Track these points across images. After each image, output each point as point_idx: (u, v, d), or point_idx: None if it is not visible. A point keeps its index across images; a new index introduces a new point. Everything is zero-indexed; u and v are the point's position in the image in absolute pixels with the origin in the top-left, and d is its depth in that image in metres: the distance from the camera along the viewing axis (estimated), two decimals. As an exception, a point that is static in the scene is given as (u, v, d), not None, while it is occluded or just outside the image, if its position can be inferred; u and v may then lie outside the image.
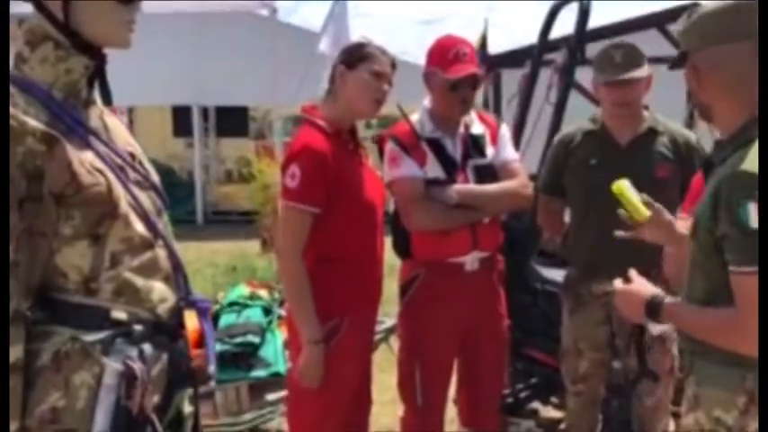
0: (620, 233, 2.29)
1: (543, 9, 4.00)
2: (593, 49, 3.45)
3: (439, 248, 2.94)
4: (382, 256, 2.82)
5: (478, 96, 3.21)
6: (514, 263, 3.42)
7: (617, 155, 3.02)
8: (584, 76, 3.58)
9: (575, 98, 3.76)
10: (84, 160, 1.63)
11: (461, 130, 2.99)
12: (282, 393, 3.60)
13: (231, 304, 4.39)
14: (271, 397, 3.83)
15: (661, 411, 3.10)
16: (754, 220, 1.64)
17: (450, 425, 3.30)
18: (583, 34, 3.68)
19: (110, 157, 1.70)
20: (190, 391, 1.85)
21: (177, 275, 1.80)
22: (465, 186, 2.92)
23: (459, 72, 2.87)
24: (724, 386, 1.79)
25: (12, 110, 1.55)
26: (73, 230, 1.63)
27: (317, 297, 2.61)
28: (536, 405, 4.03)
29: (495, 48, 5.36)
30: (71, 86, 1.68)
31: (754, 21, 1.73)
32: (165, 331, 1.75)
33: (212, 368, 1.97)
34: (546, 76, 3.98)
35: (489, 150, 3.02)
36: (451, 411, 3.30)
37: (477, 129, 3.02)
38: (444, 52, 2.91)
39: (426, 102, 3.03)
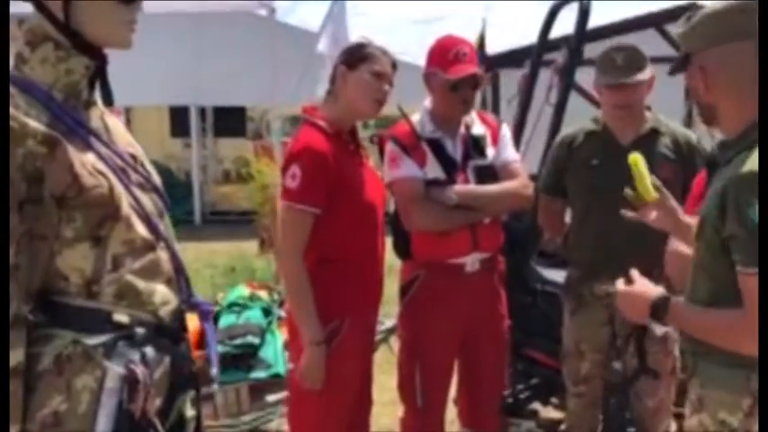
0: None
1: (541, 9, 4.00)
2: (593, 50, 3.45)
3: (439, 249, 2.93)
4: (383, 257, 2.82)
5: (477, 97, 3.20)
6: (515, 263, 3.41)
7: (619, 155, 2.99)
8: (583, 77, 3.58)
9: (575, 99, 3.75)
10: (85, 162, 1.62)
11: (462, 130, 2.98)
12: (282, 394, 3.60)
13: (231, 305, 4.40)
14: (271, 398, 3.84)
15: (663, 412, 3.09)
16: None
17: (450, 425, 3.28)
18: (583, 34, 3.67)
19: (111, 159, 1.69)
20: (192, 394, 1.84)
21: (179, 278, 1.79)
22: (465, 187, 2.91)
23: (459, 72, 2.86)
24: (728, 388, 1.78)
25: (12, 111, 1.54)
26: (74, 233, 1.61)
27: (318, 298, 2.60)
28: (536, 406, 4.02)
29: (492, 48, 5.35)
30: (72, 87, 1.66)
31: (756, 20, 1.73)
32: (168, 334, 1.74)
33: (215, 371, 1.96)
34: (546, 76, 3.97)
35: (490, 151, 3.01)
36: (452, 412, 3.29)
37: (478, 129, 3.01)
38: (444, 52, 2.90)
39: (427, 102, 3.02)
